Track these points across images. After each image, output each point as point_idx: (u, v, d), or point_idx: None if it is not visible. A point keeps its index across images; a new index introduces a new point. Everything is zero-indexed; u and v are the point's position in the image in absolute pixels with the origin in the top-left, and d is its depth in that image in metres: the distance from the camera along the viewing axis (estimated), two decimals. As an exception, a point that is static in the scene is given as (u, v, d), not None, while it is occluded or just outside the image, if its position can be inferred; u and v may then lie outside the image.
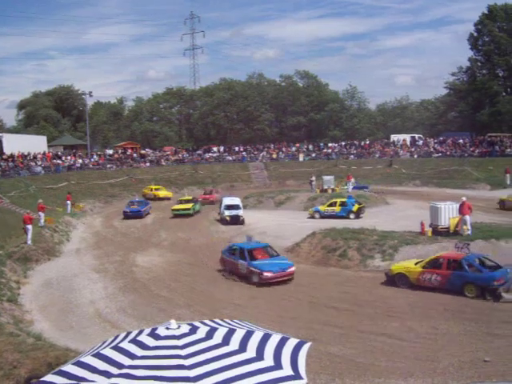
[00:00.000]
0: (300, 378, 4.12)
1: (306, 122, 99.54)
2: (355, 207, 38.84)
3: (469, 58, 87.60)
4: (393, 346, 15.25)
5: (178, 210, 44.19)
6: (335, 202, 39.72)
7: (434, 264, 21.09)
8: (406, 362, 14.08)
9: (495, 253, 24.15)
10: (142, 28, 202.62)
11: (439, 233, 27.28)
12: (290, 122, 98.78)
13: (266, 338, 4.52)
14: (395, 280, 21.66)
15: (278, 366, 4.16)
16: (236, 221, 38.73)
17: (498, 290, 19.19)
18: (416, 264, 21.75)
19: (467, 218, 27.14)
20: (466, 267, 20.15)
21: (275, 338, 4.57)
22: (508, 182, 54.14)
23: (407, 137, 79.03)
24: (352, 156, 73.99)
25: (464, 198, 27.98)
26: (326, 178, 51.14)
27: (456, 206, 27.90)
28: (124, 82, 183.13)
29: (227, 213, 39.46)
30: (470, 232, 26.79)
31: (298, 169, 67.87)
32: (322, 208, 40.00)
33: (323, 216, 38.68)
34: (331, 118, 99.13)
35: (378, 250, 25.74)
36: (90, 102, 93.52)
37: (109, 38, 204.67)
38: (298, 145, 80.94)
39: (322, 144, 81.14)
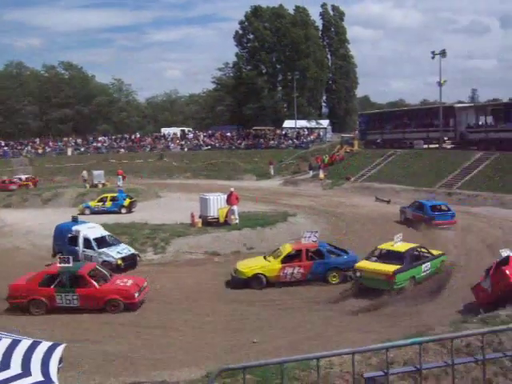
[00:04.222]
0: (51, 382, 3.83)
1: (73, 115, 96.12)
2: (127, 202, 38.36)
3: (236, 53, 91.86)
4: (168, 338, 15.38)
5: None
6: (106, 197, 38.84)
7: (292, 257, 20.63)
8: (180, 352, 14.27)
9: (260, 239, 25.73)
10: None
11: (209, 223, 28.14)
12: (55, 114, 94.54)
13: (14, 345, 4.13)
14: (251, 282, 20.07)
15: (26, 373, 3.83)
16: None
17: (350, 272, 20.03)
18: (267, 260, 20.82)
19: (235, 208, 28.43)
20: (327, 254, 20.65)
21: (25, 344, 4.19)
22: (272, 173, 58.06)
23: (177, 130, 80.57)
24: (123, 150, 73.18)
25: (232, 189, 29.21)
26: (95, 172, 49.51)
27: (224, 196, 29.02)
28: None
29: None
30: (237, 221, 28.09)
31: (67, 164, 65.20)
32: (92, 204, 38.79)
33: (94, 212, 37.51)
34: (100, 112, 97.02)
35: (149, 243, 25.78)
36: None
37: None
38: (65, 139, 77.80)
39: (91, 138, 78.95)
